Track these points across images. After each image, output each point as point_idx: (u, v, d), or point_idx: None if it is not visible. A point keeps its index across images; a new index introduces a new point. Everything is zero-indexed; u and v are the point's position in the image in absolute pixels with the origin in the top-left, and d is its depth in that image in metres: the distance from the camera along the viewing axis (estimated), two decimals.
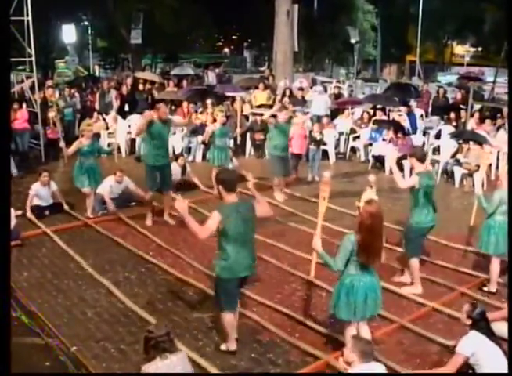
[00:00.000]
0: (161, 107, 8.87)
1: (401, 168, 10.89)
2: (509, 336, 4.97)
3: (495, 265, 6.98)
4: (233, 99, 14.76)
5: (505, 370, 4.90)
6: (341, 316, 5.24)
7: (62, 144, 9.52)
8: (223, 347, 5.64)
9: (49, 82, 15.89)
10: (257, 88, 16.56)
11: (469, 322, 5.05)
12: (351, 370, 4.43)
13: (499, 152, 12.32)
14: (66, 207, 9.45)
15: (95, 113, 14.08)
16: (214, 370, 5.21)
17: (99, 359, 5.44)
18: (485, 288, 7.04)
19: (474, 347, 4.86)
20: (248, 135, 13.90)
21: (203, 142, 12.99)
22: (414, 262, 6.88)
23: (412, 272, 6.94)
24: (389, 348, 5.68)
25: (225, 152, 10.70)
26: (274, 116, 10.78)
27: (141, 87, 16.27)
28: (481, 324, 5.00)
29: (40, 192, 9.22)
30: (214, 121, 11.24)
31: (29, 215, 9.06)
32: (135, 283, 7.05)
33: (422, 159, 7.00)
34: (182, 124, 11.36)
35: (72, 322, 6.12)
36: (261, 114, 13.55)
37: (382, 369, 4.46)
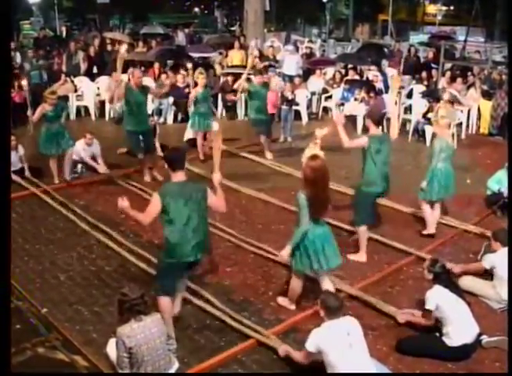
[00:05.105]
0: (135, 73, 8.87)
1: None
2: (509, 336, 5.04)
3: (437, 211, 7.35)
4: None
5: (470, 323, 5.05)
6: (298, 267, 5.39)
7: (29, 112, 9.21)
8: None
9: (12, 45, 15.42)
10: (228, 47, 16.26)
11: (431, 276, 5.19)
12: (322, 326, 4.48)
13: (469, 110, 12.42)
14: (27, 173, 9.26)
15: (63, 76, 13.73)
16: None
17: (72, 322, 5.44)
18: (425, 232, 7.34)
19: (437, 300, 5.01)
20: (220, 96, 13.73)
21: (184, 108, 12.56)
22: (363, 230, 6.64)
23: (360, 239, 6.67)
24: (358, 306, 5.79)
25: (208, 116, 10.21)
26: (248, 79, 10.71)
27: (109, 47, 15.87)
28: (443, 277, 5.14)
29: None
30: (196, 84, 10.74)
31: None
32: (107, 247, 7.00)
33: (378, 122, 6.86)
34: (160, 92, 10.64)
35: (45, 287, 6.08)
36: (233, 74, 13.38)
37: (354, 324, 4.51)
